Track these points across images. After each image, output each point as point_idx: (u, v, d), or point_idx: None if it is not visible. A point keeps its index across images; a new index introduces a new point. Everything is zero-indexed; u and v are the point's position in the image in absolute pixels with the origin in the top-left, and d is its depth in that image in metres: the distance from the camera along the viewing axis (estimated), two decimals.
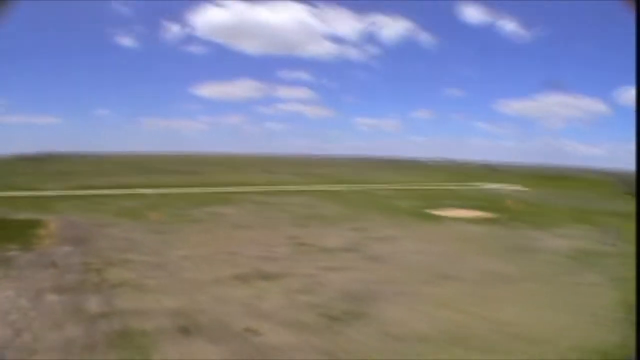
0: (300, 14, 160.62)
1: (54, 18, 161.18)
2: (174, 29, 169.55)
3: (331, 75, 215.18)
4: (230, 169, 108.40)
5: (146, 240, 26.12)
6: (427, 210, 42.51)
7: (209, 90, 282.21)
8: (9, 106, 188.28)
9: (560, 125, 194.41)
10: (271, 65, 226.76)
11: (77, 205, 39.03)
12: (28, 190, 48.61)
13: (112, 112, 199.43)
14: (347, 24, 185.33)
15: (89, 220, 32.17)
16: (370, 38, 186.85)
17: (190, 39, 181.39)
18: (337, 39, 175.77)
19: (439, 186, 74.60)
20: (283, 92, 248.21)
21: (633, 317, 13.30)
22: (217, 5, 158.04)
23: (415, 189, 66.84)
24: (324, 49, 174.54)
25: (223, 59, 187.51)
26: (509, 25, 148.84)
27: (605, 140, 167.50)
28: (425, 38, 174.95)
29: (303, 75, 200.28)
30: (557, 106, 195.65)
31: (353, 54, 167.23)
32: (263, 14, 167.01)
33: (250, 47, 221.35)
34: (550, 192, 68.62)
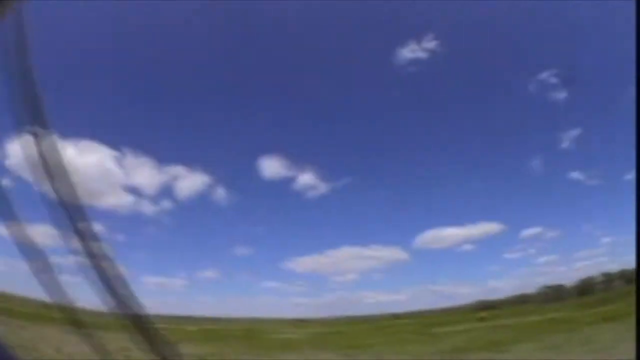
0: (105, 159, 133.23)
1: None
2: None
3: (124, 230, 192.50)
4: None
5: None
6: None
7: None
8: None
9: (355, 277, 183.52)
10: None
11: None
12: None
13: None
14: (147, 174, 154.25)
15: None
16: (166, 191, 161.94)
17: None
18: (134, 191, 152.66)
19: None
20: (75, 245, 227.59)
21: None
22: (28, 135, 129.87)
23: None
24: (122, 201, 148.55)
25: (24, 198, 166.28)
26: (306, 178, 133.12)
27: (406, 285, 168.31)
28: (220, 193, 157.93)
29: (97, 228, 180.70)
30: (350, 259, 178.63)
31: (148, 207, 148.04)
32: (71, 155, 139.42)
33: (51, 189, 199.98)
34: None
